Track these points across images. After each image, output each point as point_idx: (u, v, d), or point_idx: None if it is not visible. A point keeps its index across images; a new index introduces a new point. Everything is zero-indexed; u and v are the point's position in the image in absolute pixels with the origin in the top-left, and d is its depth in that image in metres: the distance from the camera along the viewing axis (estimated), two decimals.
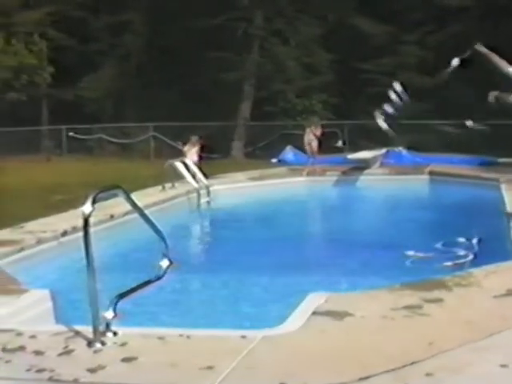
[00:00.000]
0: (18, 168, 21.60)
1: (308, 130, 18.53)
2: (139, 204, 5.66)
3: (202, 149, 17.53)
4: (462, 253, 8.70)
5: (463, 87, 25.39)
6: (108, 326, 4.82)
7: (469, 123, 9.78)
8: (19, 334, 5.00)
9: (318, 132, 18.44)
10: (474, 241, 9.29)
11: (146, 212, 5.71)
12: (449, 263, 8.01)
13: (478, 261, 7.97)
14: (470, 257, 8.39)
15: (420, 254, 8.82)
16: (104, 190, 5.10)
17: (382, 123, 10.38)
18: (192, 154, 16.63)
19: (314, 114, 28.21)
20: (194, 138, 17.53)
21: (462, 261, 8.15)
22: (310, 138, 18.19)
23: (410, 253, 8.87)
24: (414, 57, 27.72)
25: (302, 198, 15.81)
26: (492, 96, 10.03)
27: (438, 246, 9.23)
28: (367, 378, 3.99)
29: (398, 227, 11.52)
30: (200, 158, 17.04)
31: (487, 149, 18.99)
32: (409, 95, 10.88)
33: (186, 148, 17.31)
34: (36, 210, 11.17)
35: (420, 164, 18.28)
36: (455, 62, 10.19)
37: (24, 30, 31.30)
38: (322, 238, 10.85)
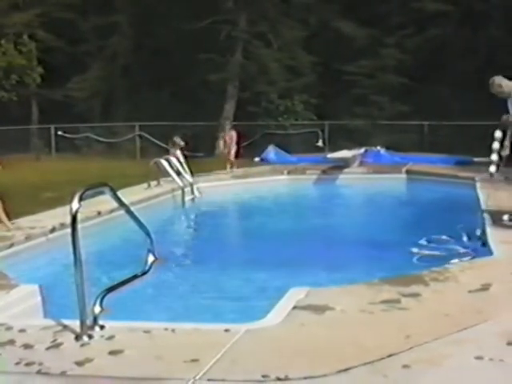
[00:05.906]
0: (8, 166, 21.51)
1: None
2: (125, 201, 5.73)
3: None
4: (463, 250, 8.76)
5: (440, 87, 25.70)
6: (95, 319, 4.89)
7: None
8: (9, 328, 5.07)
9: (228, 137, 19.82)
10: (465, 238, 9.41)
11: (132, 209, 5.81)
12: (456, 260, 7.96)
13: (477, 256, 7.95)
14: (473, 254, 8.41)
15: (425, 252, 8.89)
16: (91, 188, 5.15)
17: None
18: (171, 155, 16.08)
19: (295, 114, 28.53)
20: (174, 139, 16.63)
21: (467, 258, 8.14)
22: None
23: (415, 250, 8.94)
24: (394, 59, 27.95)
25: (284, 195, 16.00)
26: None
27: (438, 243, 9.30)
28: (346, 370, 4.07)
29: (379, 224, 11.66)
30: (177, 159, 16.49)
31: (463, 148, 19.36)
32: None
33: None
34: (26, 208, 11.22)
35: (398, 163, 18.54)
36: None
37: (13, 30, 31.28)
38: (303, 235, 10.94)
